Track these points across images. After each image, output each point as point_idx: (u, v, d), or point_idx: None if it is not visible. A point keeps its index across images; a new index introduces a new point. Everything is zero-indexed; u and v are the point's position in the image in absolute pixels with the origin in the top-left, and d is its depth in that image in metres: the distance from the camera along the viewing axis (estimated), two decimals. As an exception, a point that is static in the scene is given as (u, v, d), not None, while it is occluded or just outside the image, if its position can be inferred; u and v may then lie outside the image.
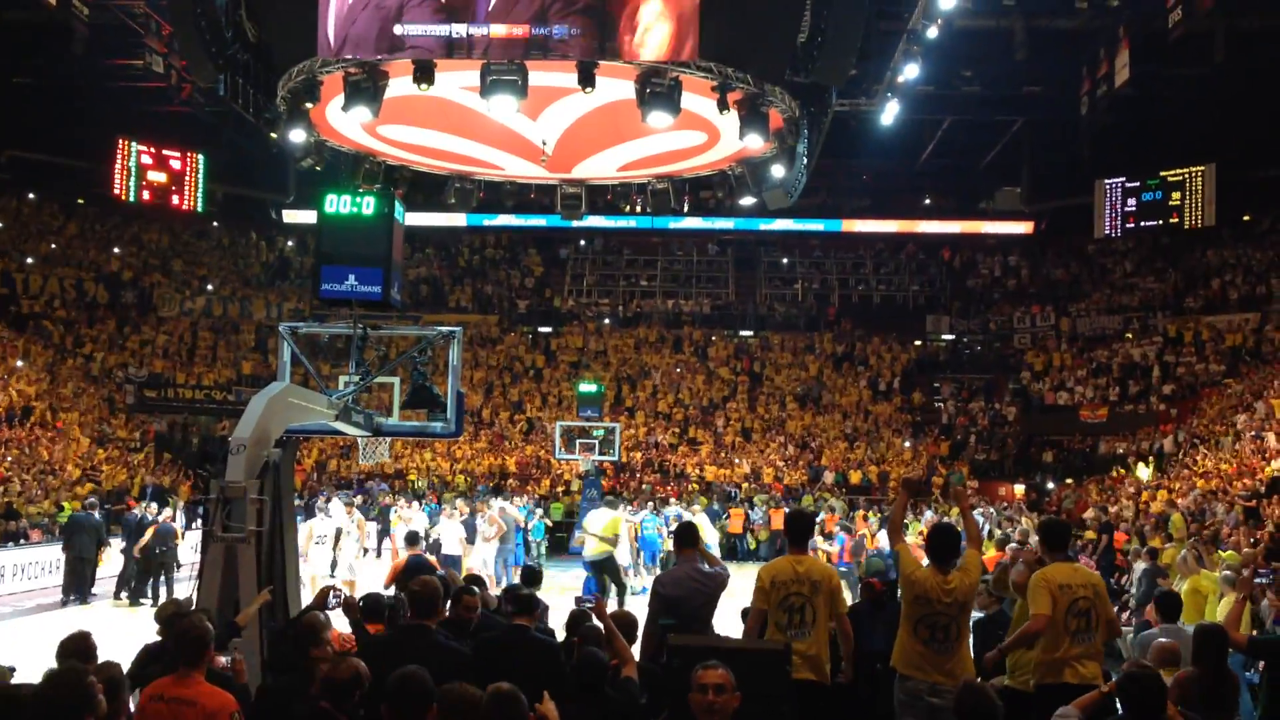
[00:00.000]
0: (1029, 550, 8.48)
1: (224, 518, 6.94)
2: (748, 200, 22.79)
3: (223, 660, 5.65)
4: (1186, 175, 31.34)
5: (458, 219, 34.74)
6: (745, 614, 7.52)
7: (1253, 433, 23.77)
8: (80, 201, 37.01)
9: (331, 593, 6.92)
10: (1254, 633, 8.94)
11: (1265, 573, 11.64)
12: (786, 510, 20.16)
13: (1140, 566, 16.69)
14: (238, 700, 5.02)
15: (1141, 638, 8.08)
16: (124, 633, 11.53)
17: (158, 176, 32.81)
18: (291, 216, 36.92)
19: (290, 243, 40.43)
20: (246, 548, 6.89)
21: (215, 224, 39.17)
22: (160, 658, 6.08)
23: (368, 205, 9.11)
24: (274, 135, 19.73)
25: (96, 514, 19.25)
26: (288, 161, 22.86)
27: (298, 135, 18.12)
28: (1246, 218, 33.96)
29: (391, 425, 11.41)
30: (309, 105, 17.25)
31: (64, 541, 18.55)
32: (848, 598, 7.70)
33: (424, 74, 15.49)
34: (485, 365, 36.85)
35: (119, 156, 32.12)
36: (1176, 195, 31.64)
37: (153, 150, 32.65)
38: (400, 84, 15.98)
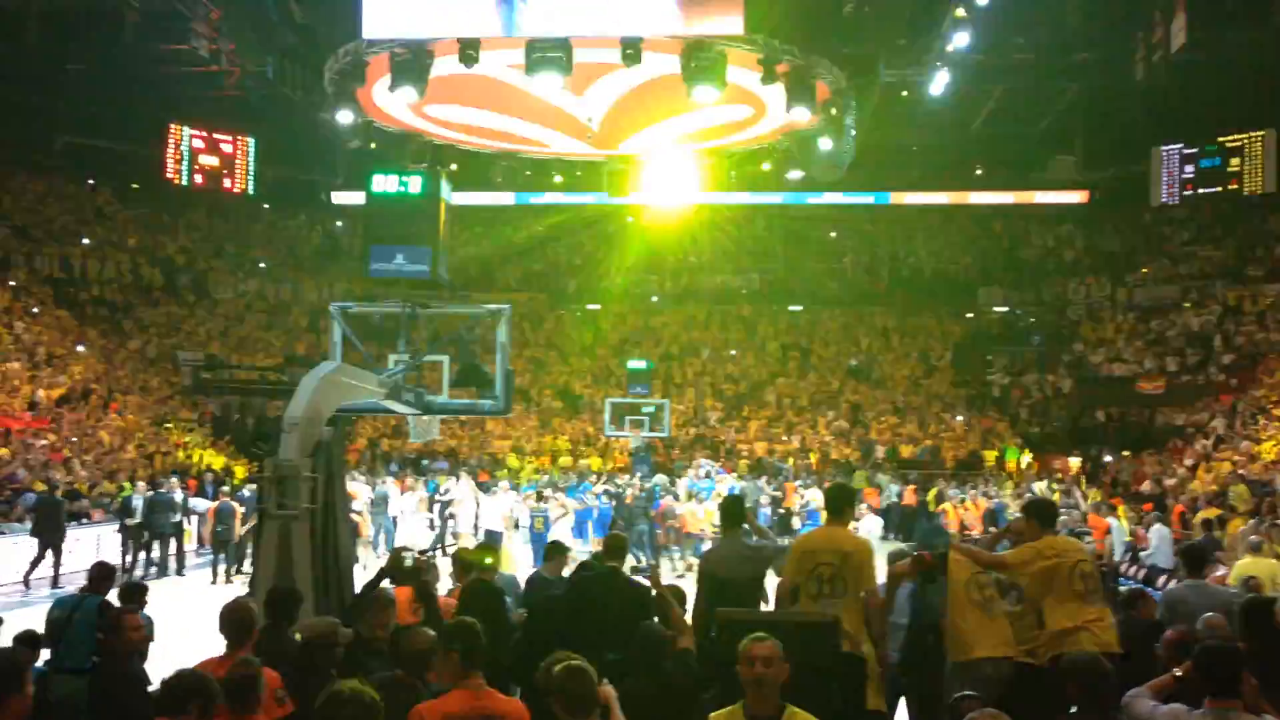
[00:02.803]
0: (1016, 521, 8.38)
1: (278, 495, 7.01)
2: (796, 174, 22.65)
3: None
4: (1245, 140, 30.64)
5: (506, 197, 34.76)
6: None
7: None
8: (135, 186, 37.50)
9: (404, 553, 7.05)
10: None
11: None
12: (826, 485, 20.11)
13: (1159, 530, 16.52)
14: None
15: (1168, 594, 7.96)
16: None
17: (209, 160, 33.18)
18: (341, 198, 37.10)
19: (340, 224, 40.71)
20: (301, 525, 6.96)
21: (266, 206, 39.53)
22: None
23: (415, 185, 9.15)
24: (323, 117, 19.85)
25: (177, 493, 19.55)
26: (336, 143, 22.95)
27: (345, 116, 18.24)
28: (1308, 183, 33.15)
29: (441, 403, 11.47)
30: (356, 86, 17.35)
31: (142, 520, 18.74)
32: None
33: (469, 52, 15.50)
34: (534, 343, 36.94)
35: (171, 141, 32.51)
36: (1235, 161, 30.94)
37: (204, 134, 33.01)
38: (446, 63, 16.02)
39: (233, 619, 5.37)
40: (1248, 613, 6.22)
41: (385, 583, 6.96)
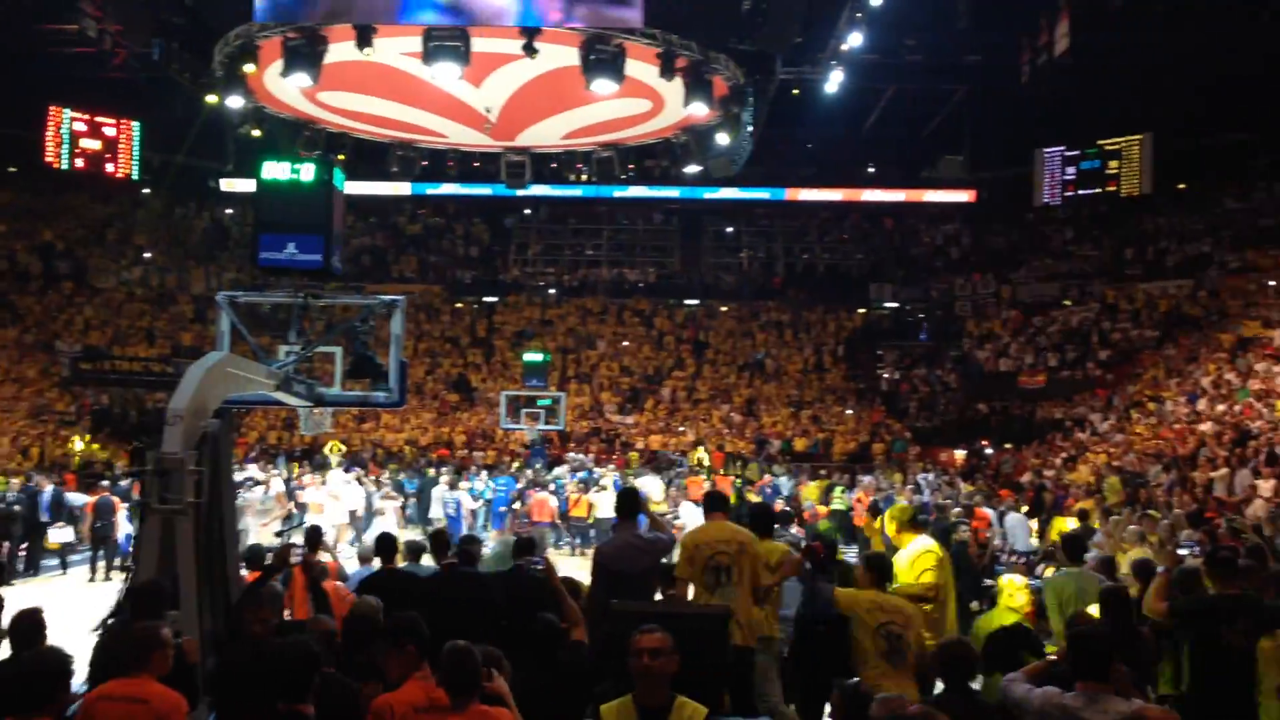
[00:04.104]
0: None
1: (161, 489, 6.83)
2: (693, 169, 22.81)
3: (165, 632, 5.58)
4: (1123, 144, 31.81)
5: (401, 188, 34.35)
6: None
7: (1185, 397, 24.26)
8: (12, 170, 36.06)
9: (292, 551, 6.96)
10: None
11: (1189, 544, 11.82)
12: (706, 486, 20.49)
13: (1014, 516, 17.16)
14: (191, 681, 5.06)
15: (1049, 581, 8.27)
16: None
17: (91, 144, 32.03)
18: (230, 185, 36.20)
19: (229, 212, 39.73)
20: (184, 520, 6.79)
21: (151, 193, 38.35)
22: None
23: (307, 172, 8.94)
24: (211, 101, 19.34)
25: (47, 490, 18.87)
26: (225, 129, 22.39)
27: (235, 101, 17.84)
28: (1181, 186, 34.50)
29: (334, 395, 11.29)
30: (247, 71, 16.96)
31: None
32: None
33: (364, 39, 15.28)
34: (429, 336, 36.60)
35: (51, 123, 31.30)
36: (1114, 164, 32.11)
37: (86, 117, 31.87)
38: (341, 49, 15.76)
39: (135, 640, 5.09)
40: (1107, 600, 6.52)
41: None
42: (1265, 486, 16.44)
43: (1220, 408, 22.20)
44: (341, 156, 20.07)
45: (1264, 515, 14.64)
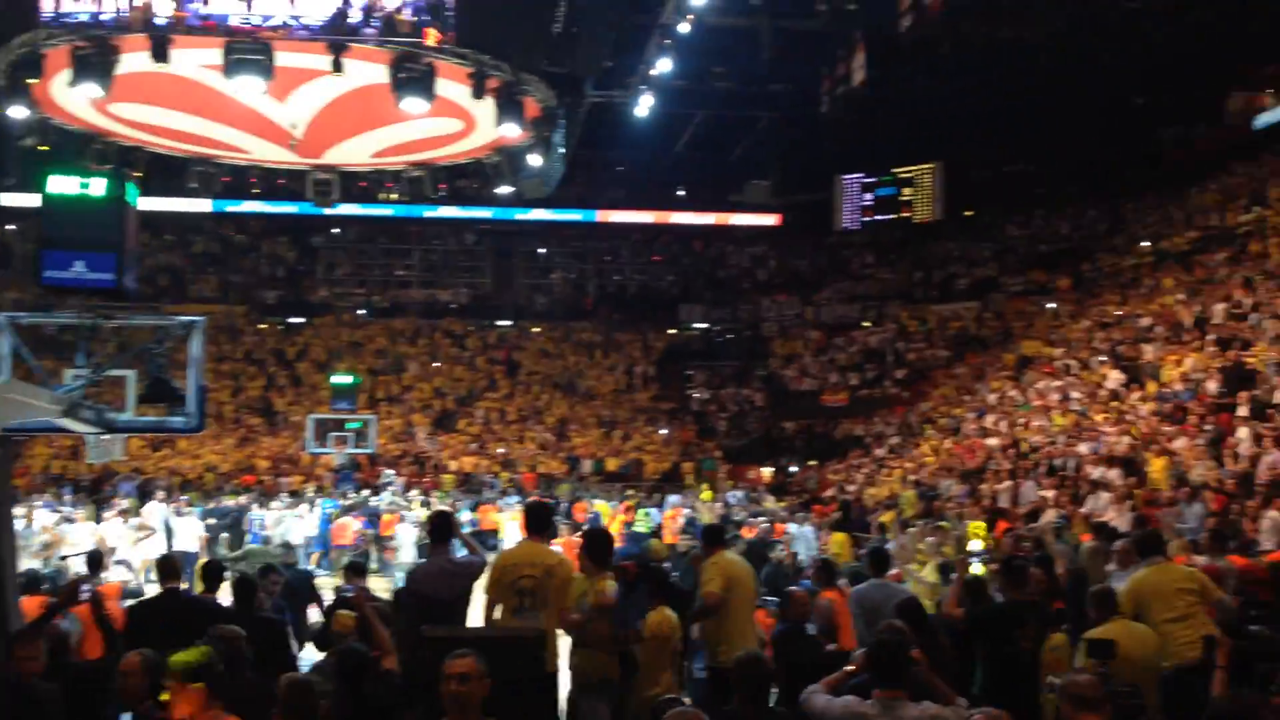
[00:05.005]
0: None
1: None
2: (505, 189, 22.80)
3: None
4: (916, 172, 33.49)
5: (201, 205, 32.94)
6: None
7: (974, 413, 25.61)
8: None
9: (79, 587, 6.64)
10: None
11: (981, 553, 12.48)
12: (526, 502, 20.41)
13: (800, 528, 17.87)
14: None
15: (855, 592, 8.63)
16: None
17: None
18: (11, 200, 34.03)
19: (10, 228, 37.34)
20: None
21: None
22: None
23: (98, 187, 8.53)
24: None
25: None
26: (8, 140, 21.04)
27: (19, 112, 16.87)
28: (969, 213, 36.48)
29: (125, 420, 10.76)
30: (31, 80, 16.08)
31: None
32: None
33: (160, 51, 14.70)
34: (231, 358, 35.28)
35: None
36: (908, 191, 33.78)
37: None
38: (135, 60, 15.10)
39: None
40: (903, 609, 6.85)
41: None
42: (1048, 497, 17.48)
43: (1004, 423, 23.53)
44: (137, 172, 19.18)
45: (1046, 525, 15.54)
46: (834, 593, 8.61)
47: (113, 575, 13.70)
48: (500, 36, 16.10)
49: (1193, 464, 15.70)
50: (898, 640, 5.15)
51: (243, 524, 21.34)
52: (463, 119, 18.48)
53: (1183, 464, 15.89)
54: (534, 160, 19.97)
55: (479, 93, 16.26)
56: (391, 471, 28.49)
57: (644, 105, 24.33)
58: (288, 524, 20.54)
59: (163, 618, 7.18)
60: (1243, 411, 16.25)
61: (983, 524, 15.81)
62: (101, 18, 14.75)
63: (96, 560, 9.67)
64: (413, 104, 15.83)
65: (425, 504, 22.89)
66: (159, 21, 14.83)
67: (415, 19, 15.59)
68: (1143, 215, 30.76)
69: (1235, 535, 11.92)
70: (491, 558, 7.53)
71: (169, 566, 8.06)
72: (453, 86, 16.36)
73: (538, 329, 38.50)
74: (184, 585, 8.65)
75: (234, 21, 15.07)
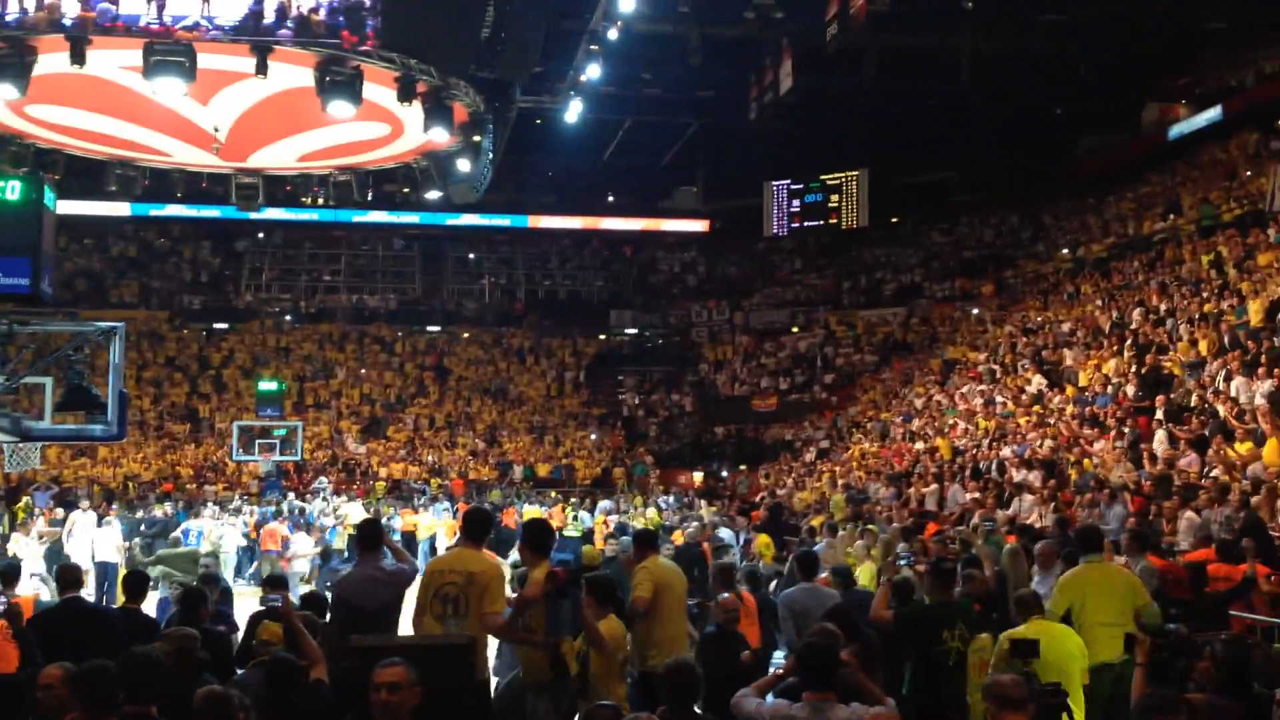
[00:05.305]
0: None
1: None
2: (434, 194, 22.67)
3: None
4: (843, 179, 33.87)
5: (121, 208, 32.22)
6: None
7: (901, 417, 25.97)
8: None
9: None
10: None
11: (907, 555, 12.64)
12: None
13: (726, 532, 18.03)
14: None
15: (785, 596, 8.69)
16: None
17: None
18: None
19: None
20: None
21: None
22: None
23: (13, 190, 8.36)
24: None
25: None
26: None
27: (-72, 112, 16.38)
28: (895, 219, 37.04)
29: (43, 429, 10.53)
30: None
31: None
32: None
33: (78, 54, 14.41)
34: (153, 364, 34.59)
35: None
36: (835, 198, 34.14)
37: None
38: (52, 60, 14.78)
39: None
40: (832, 613, 6.93)
41: None
42: (971, 499, 17.74)
43: (930, 427, 23.89)
44: (54, 175, 18.75)
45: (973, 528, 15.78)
46: (733, 597, 8.67)
47: (26, 588, 13.36)
48: (427, 41, 16.00)
49: (1112, 466, 16.06)
50: (828, 643, 5.21)
51: (173, 533, 20.91)
52: (390, 123, 18.34)
53: (1102, 466, 16.25)
54: (463, 165, 19.90)
55: (406, 97, 16.16)
56: (325, 479, 28.13)
57: (573, 111, 24.34)
58: (224, 533, 20.20)
59: (63, 625, 7.18)
60: (1159, 415, 16.66)
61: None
62: (6, 17, 14.42)
63: (13, 573, 9.42)
64: (339, 108, 15.69)
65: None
66: (66, 22, 14.52)
67: (330, 21, 15.44)
68: (1062, 223, 31.49)
69: (1154, 536, 12.20)
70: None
71: (70, 575, 7.94)
72: (380, 90, 16.25)
73: (467, 334, 38.30)
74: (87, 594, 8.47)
75: (145, 22, 14.79)
